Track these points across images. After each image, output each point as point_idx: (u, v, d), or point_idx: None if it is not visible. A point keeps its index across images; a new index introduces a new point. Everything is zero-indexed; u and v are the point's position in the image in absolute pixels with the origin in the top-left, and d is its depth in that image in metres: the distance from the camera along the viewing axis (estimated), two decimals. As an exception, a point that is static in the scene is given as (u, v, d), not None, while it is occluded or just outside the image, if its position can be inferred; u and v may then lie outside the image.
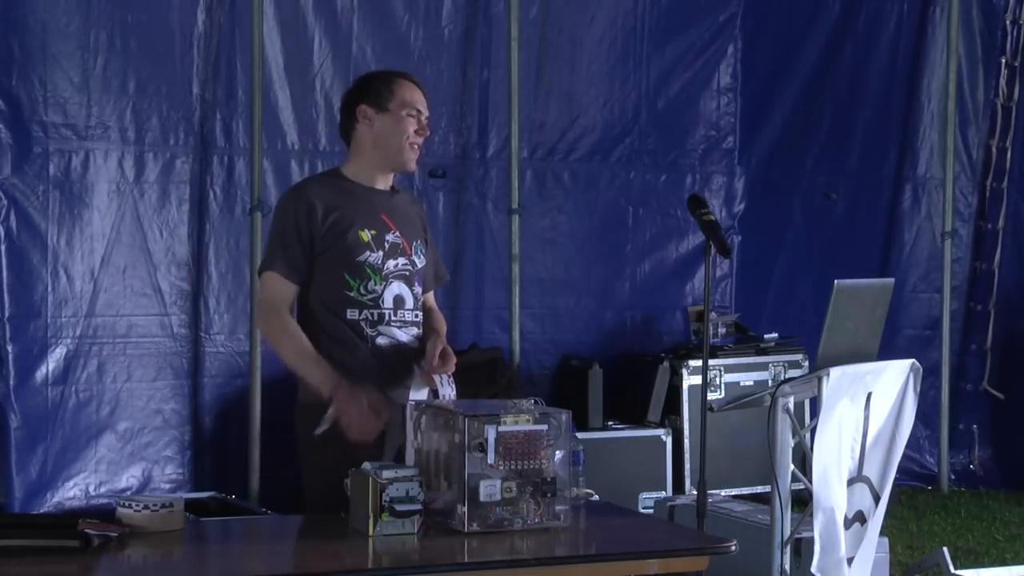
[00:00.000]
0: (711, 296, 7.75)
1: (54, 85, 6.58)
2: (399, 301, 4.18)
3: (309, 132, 7.13)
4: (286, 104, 7.07)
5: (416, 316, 4.24)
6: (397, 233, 4.19)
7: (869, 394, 4.45)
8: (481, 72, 7.56)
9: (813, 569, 4.34)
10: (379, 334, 4.14)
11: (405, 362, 4.18)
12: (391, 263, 4.18)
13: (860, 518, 4.56)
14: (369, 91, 4.25)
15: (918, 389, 4.59)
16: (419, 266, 4.25)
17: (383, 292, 4.15)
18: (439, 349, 4.14)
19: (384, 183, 4.27)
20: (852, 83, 8.41)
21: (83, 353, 6.68)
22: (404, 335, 4.19)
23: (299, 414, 4.20)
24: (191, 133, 6.89)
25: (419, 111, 4.22)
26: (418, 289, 4.25)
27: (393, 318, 4.16)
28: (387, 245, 4.17)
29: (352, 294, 4.12)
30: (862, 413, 4.45)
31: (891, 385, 4.53)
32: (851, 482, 4.45)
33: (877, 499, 4.57)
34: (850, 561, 4.47)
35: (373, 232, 4.15)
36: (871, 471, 4.50)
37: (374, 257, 4.14)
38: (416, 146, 4.22)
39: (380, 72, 4.40)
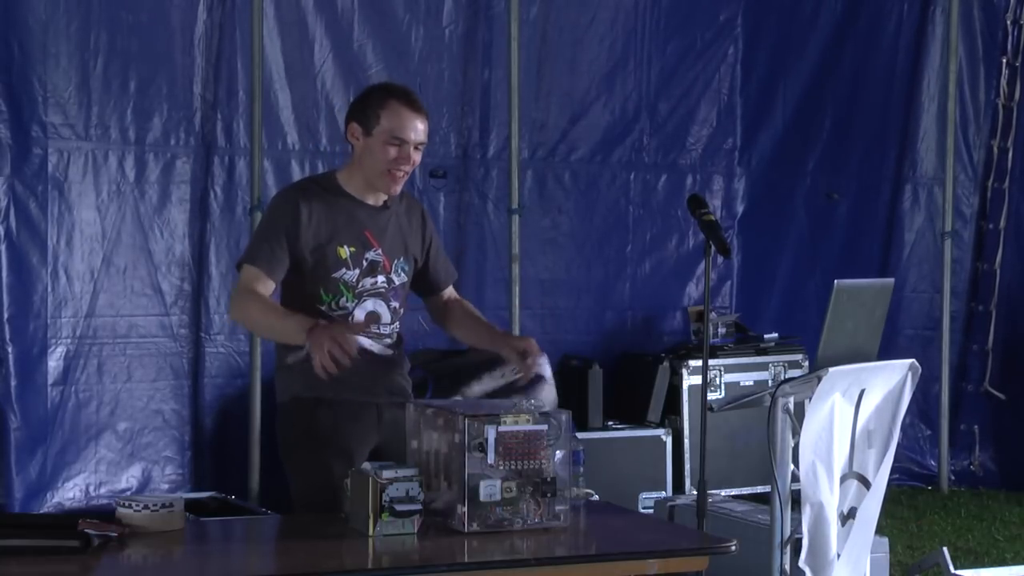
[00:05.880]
0: (711, 296, 7.74)
1: (54, 85, 6.58)
2: (373, 317, 4.18)
3: (309, 132, 7.13)
4: (286, 104, 7.07)
5: (391, 330, 4.24)
6: (379, 251, 4.18)
7: (862, 391, 4.45)
8: (482, 72, 7.56)
9: (801, 564, 4.34)
10: None
11: (377, 365, 4.18)
12: (367, 281, 4.16)
13: (855, 515, 4.56)
14: (360, 110, 4.20)
15: (913, 388, 4.59)
16: (396, 284, 4.23)
17: (354, 310, 4.15)
18: (516, 346, 4.31)
19: (374, 197, 4.23)
20: (852, 83, 8.41)
21: (83, 353, 6.68)
22: (376, 347, 4.19)
23: (280, 415, 4.23)
24: (192, 133, 6.89)
25: (404, 141, 4.12)
26: (395, 304, 4.23)
27: (364, 329, 4.15)
28: (365, 263, 4.16)
29: (323, 307, 4.13)
30: (853, 410, 4.45)
31: (886, 383, 4.53)
32: (844, 478, 4.45)
33: (871, 496, 4.56)
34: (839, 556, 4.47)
35: (352, 249, 4.14)
36: (864, 467, 4.50)
37: (350, 275, 4.13)
38: (399, 174, 4.15)
39: (377, 89, 4.29)
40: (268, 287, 4.12)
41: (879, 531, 5.01)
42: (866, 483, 4.50)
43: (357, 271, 4.14)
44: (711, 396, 7.33)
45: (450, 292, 4.47)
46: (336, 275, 4.12)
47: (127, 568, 3.45)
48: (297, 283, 4.14)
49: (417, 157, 4.19)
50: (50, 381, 6.61)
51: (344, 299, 4.14)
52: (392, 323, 4.23)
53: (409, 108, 4.16)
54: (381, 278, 4.18)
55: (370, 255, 4.17)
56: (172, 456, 6.88)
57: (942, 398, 8.34)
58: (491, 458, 3.60)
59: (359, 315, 4.15)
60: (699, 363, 7.09)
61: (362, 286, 4.16)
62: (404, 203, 4.33)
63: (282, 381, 4.21)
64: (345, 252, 4.12)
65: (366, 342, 4.13)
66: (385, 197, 4.24)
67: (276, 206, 4.23)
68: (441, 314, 4.46)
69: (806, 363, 7.55)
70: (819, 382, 4.32)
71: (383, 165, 4.14)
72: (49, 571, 3.31)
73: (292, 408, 4.17)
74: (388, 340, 4.22)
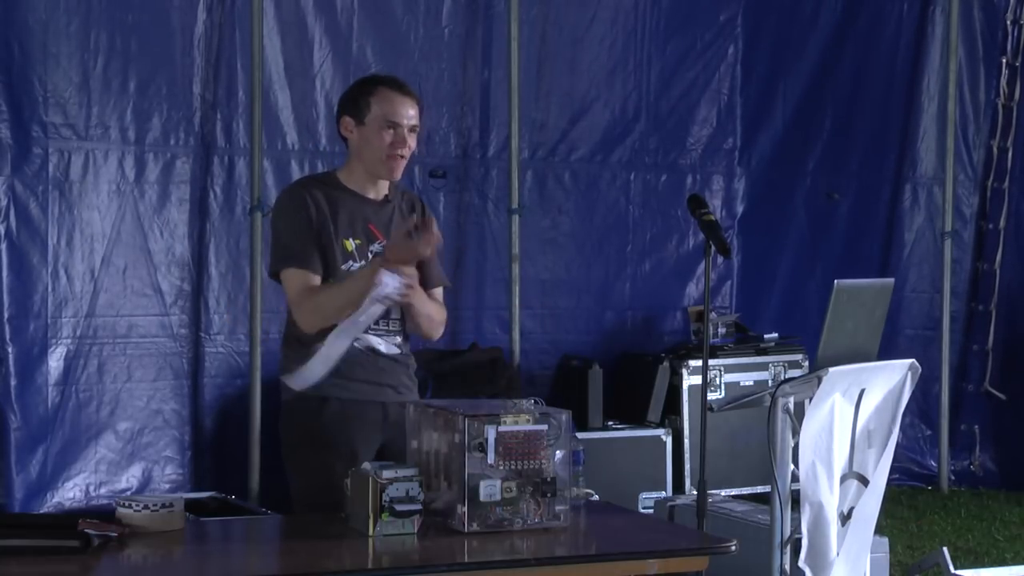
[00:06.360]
0: (711, 296, 7.75)
1: (54, 85, 6.58)
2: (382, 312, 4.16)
3: (309, 132, 7.13)
4: (286, 104, 7.07)
5: (399, 326, 4.22)
6: (383, 244, 4.17)
7: (862, 391, 4.45)
8: (481, 72, 7.56)
9: (801, 564, 4.34)
10: (356, 339, 4.12)
11: (383, 363, 4.17)
12: None
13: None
14: (350, 102, 4.22)
15: (912, 388, 4.59)
16: None
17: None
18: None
19: (375, 192, 4.24)
20: (852, 83, 8.41)
21: (83, 353, 6.67)
22: (384, 345, 4.18)
23: (283, 414, 4.22)
24: (191, 133, 6.89)
25: (398, 124, 4.15)
26: None
27: (372, 326, 4.12)
28: (371, 255, 4.16)
29: None
30: (853, 410, 4.46)
31: (887, 383, 4.54)
32: (844, 478, 4.46)
33: (869, 495, 4.56)
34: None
35: (358, 242, 4.15)
36: (864, 467, 4.50)
37: (356, 267, 4.13)
38: (398, 158, 4.16)
39: (364, 80, 4.33)
40: (316, 282, 4.10)
41: (879, 531, 5.01)
42: (866, 483, 4.50)
43: (363, 263, 4.14)
44: (711, 396, 7.33)
45: (433, 292, 4.34)
46: (344, 268, 4.13)
47: (127, 568, 3.45)
48: None
49: (412, 141, 4.20)
50: (50, 381, 6.60)
51: None
52: (399, 317, 4.21)
53: (398, 92, 4.20)
54: None
55: (375, 248, 4.17)
56: (172, 456, 6.88)
57: (942, 398, 8.34)
58: (491, 458, 3.60)
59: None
60: (699, 363, 7.09)
61: None
62: (406, 199, 4.35)
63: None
64: (351, 245, 4.14)
65: (373, 340, 4.13)
66: (386, 191, 4.25)
67: (286, 205, 4.22)
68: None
69: (806, 363, 7.55)
70: (819, 382, 4.32)
71: (381, 152, 4.15)
72: (49, 571, 3.31)
73: (295, 407, 4.17)
74: (398, 338, 4.21)
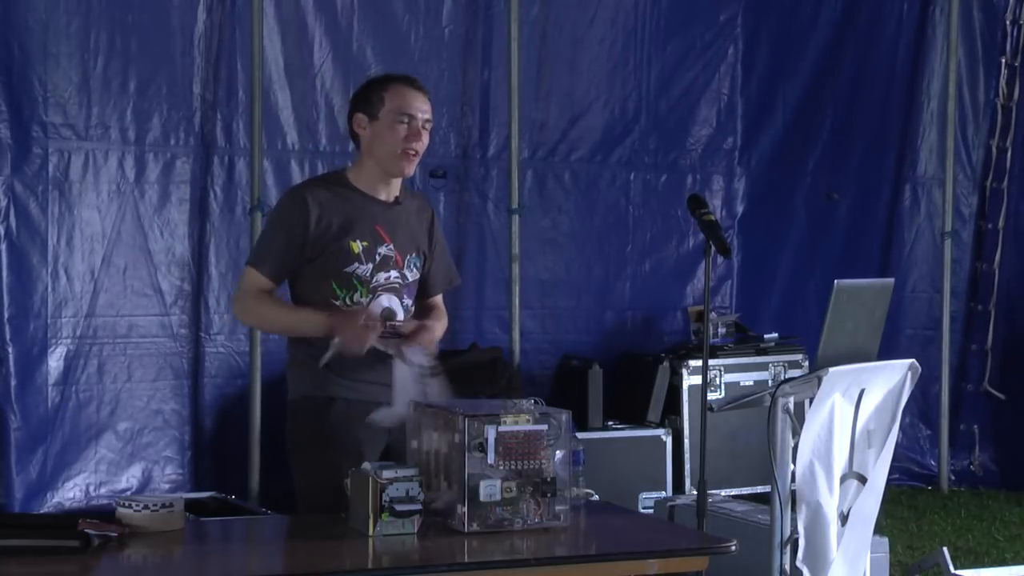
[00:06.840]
0: (711, 296, 7.75)
1: (54, 85, 6.58)
2: (388, 314, 4.14)
3: (309, 132, 7.13)
4: (286, 104, 7.07)
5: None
6: (390, 246, 4.16)
7: (862, 391, 4.45)
8: (481, 72, 7.56)
9: (799, 563, 4.35)
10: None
11: (389, 364, 4.17)
12: (381, 276, 4.14)
13: (854, 514, 4.57)
14: (362, 99, 4.22)
15: (912, 388, 4.60)
16: (410, 280, 4.21)
17: (368, 305, 4.12)
18: (415, 325, 4.12)
19: (386, 193, 4.22)
20: (852, 83, 8.41)
21: (83, 353, 6.68)
22: (388, 347, 4.18)
23: (289, 413, 4.21)
24: (191, 133, 6.89)
25: (412, 116, 4.15)
26: (408, 302, 4.21)
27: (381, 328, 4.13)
28: (378, 257, 4.14)
29: (338, 303, 4.10)
30: (853, 410, 4.46)
31: (887, 383, 4.54)
32: (844, 479, 4.46)
33: (868, 495, 4.56)
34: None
35: (365, 243, 4.13)
36: (864, 467, 4.50)
37: (363, 269, 4.12)
38: (411, 153, 4.16)
39: (377, 78, 4.34)
40: (267, 288, 4.13)
41: (879, 531, 5.01)
42: (864, 483, 4.50)
43: (370, 266, 4.13)
44: (711, 396, 7.33)
45: (438, 300, 4.40)
46: (348, 270, 4.11)
47: (127, 568, 3.45)
48: (310, 277, 4.13)
49: (426, 138, 4.20)
50: (50, 381, 6.61)
51: (358, 294, 4.11)
52: (405, 321, 4.20)
53: (411, 87, 4.22)
54: (394, 273, 4.16)
55: (382, 250, 4.15)
56: (172, 456, 6.88)
57: (942, 398, 8.34)
58: (491, 458, 3.60)
59: (374, 311, 4.12)
60: (699, 363, 7.09)
61: (376, 281, 4.13)
62: (416, 203, 4.34)
63: (293, 378, 4.20)
64: (358, 246, 4.12)
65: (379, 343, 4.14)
66: (396, 193, 4.24)
67: (284, 206, 4.21)
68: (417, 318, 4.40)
69: (806, 363, 7.55)
70: (819, 382, 4.32)
71: (395, 146, 4.14)
72: (49, 571, 3.31)
73: (302, 406, 4.16)
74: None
